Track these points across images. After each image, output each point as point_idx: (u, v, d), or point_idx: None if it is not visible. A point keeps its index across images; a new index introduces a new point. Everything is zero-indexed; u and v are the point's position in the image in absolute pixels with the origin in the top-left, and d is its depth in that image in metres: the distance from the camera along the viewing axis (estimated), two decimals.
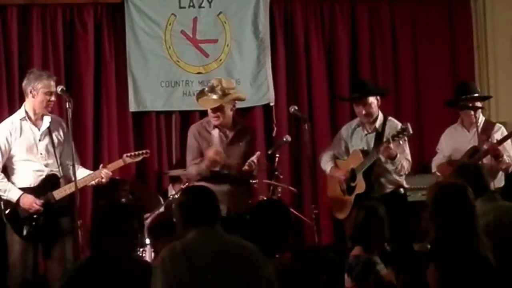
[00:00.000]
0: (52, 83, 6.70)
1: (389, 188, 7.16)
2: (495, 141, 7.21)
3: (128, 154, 6.95)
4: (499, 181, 7.29)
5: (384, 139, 6.98)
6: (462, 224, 4.28)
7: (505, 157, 7.16)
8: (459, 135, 7.48)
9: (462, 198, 4.40)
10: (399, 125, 7.15)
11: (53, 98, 6.69)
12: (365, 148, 7.18)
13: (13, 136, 6.66)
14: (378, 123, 7.21)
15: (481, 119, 7.41)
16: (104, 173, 6.72)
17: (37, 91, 6.64)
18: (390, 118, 7.31)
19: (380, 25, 8.90)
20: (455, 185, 4.57)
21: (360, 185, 7.10)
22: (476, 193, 4.76)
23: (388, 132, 7.11)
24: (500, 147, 7.16)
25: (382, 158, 7.01)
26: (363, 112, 7.15)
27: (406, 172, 7.18)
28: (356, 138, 7.27)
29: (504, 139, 7.20)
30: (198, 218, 4.55)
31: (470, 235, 4.30)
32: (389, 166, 7.06)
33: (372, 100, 7.16)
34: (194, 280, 4.35)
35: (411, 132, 6.90)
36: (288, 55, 8.78)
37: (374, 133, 7.20)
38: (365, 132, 7.24)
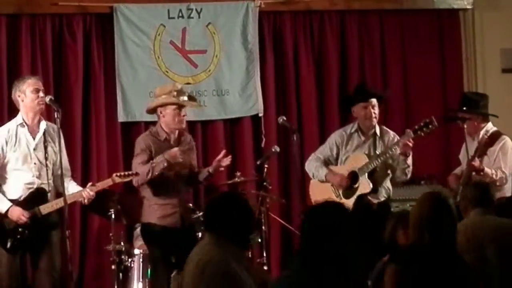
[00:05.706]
0: (36, 80, 6.69)
1: (384, 196, 7.19)
2: (493, 154, 7.14)
3: (118, 174, 6.84)
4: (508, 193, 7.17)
5: (405, 134, 7.00)
6: (451, 228, 4.55)
7: (486, 170, 7.02)
8: (469, 145, 7.33)
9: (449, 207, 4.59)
10: (391, 133, 7.23)
11: (41, 94, 6.61)
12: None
13: (9, 145, 6.61)
14: (376, 129, 7.23)
15: (490, 128, 7.29)
16: (85, 194, 6.64)
17: (24, 92, 6.61)
18: (383, 126, 7.35)
19: (369, 36, 8.91)
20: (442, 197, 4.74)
21: (364, 185, 7.06)
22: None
23: (387, 139, 7.16)
24: (492, 161, 7.09)
25: (393, 158, 7.03)
26: (372, 114, 7.14)
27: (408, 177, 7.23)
28: (353, 144, 7.22)
29: (474, 155, 7.07)
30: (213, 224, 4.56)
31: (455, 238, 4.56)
32: (400, 164, 7.04)
33: (376, 103, 7.20)
34: None
35: (436, 125, 6.97)
36: (277, 66, 8.78)
37: (371, 139, 7.20)
38: (363, 138, 7.22)
